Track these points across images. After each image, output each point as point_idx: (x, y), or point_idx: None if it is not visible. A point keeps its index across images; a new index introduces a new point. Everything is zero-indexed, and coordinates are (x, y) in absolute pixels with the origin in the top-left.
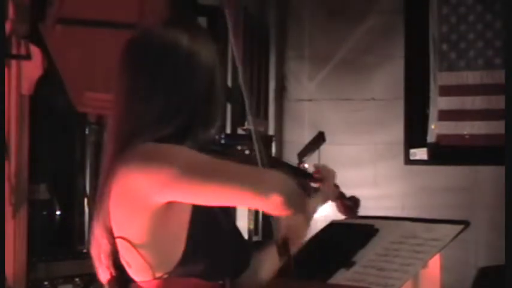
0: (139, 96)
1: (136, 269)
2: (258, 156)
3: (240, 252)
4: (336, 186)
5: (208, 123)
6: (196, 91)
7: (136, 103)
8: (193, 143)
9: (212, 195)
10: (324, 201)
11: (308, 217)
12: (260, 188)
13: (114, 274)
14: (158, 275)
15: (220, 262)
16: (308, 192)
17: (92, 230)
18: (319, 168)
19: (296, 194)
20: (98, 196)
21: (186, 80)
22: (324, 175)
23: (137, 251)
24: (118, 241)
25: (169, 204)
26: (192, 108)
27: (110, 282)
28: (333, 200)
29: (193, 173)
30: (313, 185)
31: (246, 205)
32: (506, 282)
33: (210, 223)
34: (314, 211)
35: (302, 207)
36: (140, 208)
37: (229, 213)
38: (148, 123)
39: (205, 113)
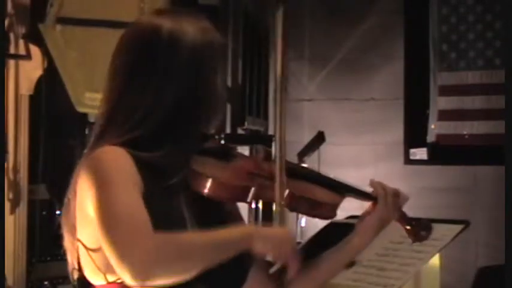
0: (114, 95)
1: (90, 272)
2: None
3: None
4: (399, 209)
5: (190, 127)
6: (175, 90)
7: (110, 102)
8: (178, 146)
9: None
10: (382, 224)
11: None
12: (120, 254)
13: (78, 275)
14: (111, 279)
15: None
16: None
17: (64, 237)
18: (375, 186)
19: (167, 246)
20: (67, 195)
21: (162, 77)
22: (379, 193)
23: (89, 254)
24: (77, 245)
25: None
26: (170, 109)
27: (77, 282)
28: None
29: (94, 193)
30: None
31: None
32: (507, 282)
33: (170, 227)
34: (370, 237)
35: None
36: (84, 211)
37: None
38: (117, 124)
39: (187, 115)
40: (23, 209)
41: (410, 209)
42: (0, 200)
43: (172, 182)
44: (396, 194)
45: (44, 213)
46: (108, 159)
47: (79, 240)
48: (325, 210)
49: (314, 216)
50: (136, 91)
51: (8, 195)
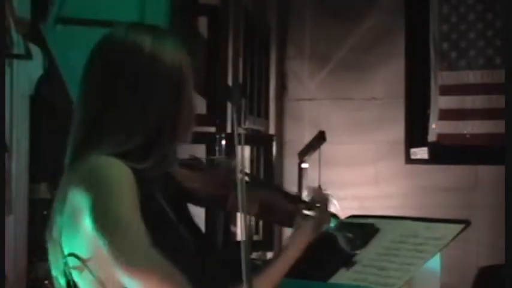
0: (99, 105)
1: (86, 285)
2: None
3: (207, 277)
4: (333, 215)
5: (175, 139)
6: (160, 104)
7: (95, 112)
8: (159, 159)
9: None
10: (318, 229)
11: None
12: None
13: None
14: None
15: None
16: (298, 218)
17: (48, 249)
18: (312, 194)
19: None
20: (51, 212)
21: (148, 91)
22: (317, 201)
23: (87, 268)
24: (69, 258)
25: None
26: (156, 124)
27: None
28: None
29: (97, 207)
30: (306, 212)
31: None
32: (507, 282)
33: (169, 240)
34: (307, 240)
35: None
36: (80, 224)
37: (200, 236)
38: (105, 135)
39: (173, 128)
40: (23, 208)
41: (411, 209)
42: (0, 200)
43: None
44: (329, 202)
45: (44, 212)
46: (112, 171)
47: (73, 255)
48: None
49: (274, 222)
50: (123, 106)
51: (9, 194)
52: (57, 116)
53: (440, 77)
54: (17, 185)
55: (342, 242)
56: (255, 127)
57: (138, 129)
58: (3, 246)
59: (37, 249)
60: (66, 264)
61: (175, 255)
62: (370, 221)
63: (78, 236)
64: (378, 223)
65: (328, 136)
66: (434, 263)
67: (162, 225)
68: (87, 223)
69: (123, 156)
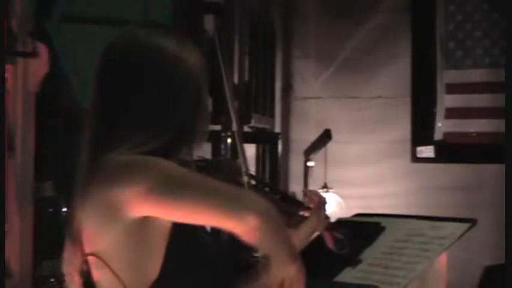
0: (121, 106)
1: (108, 284)
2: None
3: (228, 274)
4: (326, 217)
5: (193, 140)
6: (183, 105)
7: (116, 112)
8: (176, 159)
9: (184, 213)
10: (313, 230)
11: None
12: (235, 208)
13: None
14: None
15: (201, 283)
16: (294, 219)
17: (65, 247)
18: (309, 195)
19: (274, 221)
20: (70, 210)
21: (172, 92)
22: (314, 202)
23: (110, 268)
24: (90, 258)
25: (145, 219)
26: (178, 124)
27: None
28: (321, 230)
29: (165, 189)
30: (303, 213)
31: (220, 225)
32: (507, 282)
33: (192, 241)
34: (303, 241)
35: (279, 236)
36: (113, 222)
37: (218, 232)
38: (129, 135)
39: (192, 129)
40: (29, 206)
41: (417, 207)
42: (1, 200)
43: None
44: (325, 203)
45: (50, 210)
46: (153, 159)
47: (94, 255)
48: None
49: None
50: (144, 108)
51: (16, 196)
52: (62, 114)
53: (446, 76)
54: (23, 184)
55: (327, 242)
56: (261, 125)
57: (159, 131)
58: (3, 246)
59: (43, 247)
60: (85, 263)
61: (198, 258)
62: (375, 219)
63: (105, 234)
64: (383, 222)
65: (333, 135)
66: (440, 262)
67: (184, 228)
68: (125, 217)
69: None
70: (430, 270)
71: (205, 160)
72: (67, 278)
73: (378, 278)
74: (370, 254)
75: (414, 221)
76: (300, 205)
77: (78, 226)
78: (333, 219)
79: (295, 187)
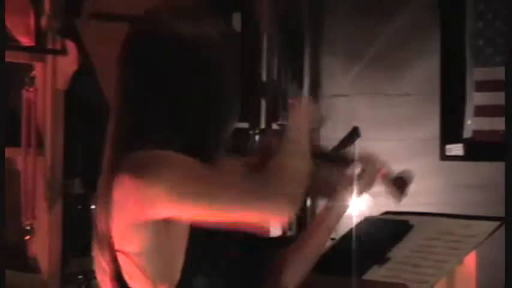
0: (141, 98)
1: (137, 283)
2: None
3: (252, 270)
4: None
5: (221, 129)
6: (207, 93)
7: (136, 105)
8: (205, 149)
9: (203, 214)
10: (366, 187)
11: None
12: (262, 207)
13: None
14: None
15: (225, 281)
16: (348, 180)
17: (94, 244)
18: (359, 155)
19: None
20: (97, 205)
21: (196, 81)
22: (364, 161)
23: (135, 265)
24: (118, 255)
25: (167, 218)
26: (203, 114)
27: None
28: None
29: (185, 190)
30: (356, 171)
31: (247, 217)
32: (507, 282)
33: (214, 239)
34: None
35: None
36: (136, 220)
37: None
38: (150, 129)
39: (218, 118)
40: (58, 203)
41: (446, 205)
42: (1, 199)
43: None
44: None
45: (79, 207)
46: (177, 156)
47: (121, 251)
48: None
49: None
50: (168, 96)
51: (44, 189)
52: (91, 112)
53: (475, 73)
54: (51, 181)
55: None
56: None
57: (189, 126)
58: (4, 246)
59: (71, 244)
60: (115, 260)
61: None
62: (404, 217)
63: (130, 232)
64: (412, 220)
65: (362, 132)
66: (470, 261)
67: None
68: (148, 216)
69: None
70: (459, 269)
71: (241, 150)
72: (98, 276)
73: (406, 276)
74: (398, 252)
75: (443, 219)
76: (351, 163)
77: (107, 223)
78: (361, 218)
79: None
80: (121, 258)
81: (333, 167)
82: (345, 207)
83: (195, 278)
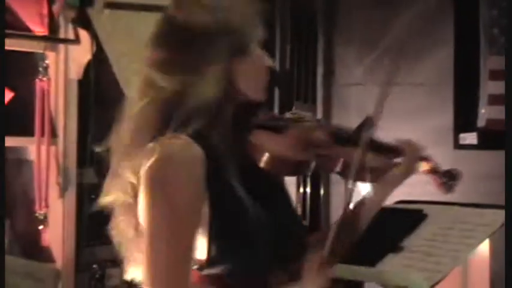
0: (170, 87)
1: None
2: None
3: (285, 243)
4: (425, 159)
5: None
6: (234, 75)
7: (164, 91)
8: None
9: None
10: (405, 176)
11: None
12: None
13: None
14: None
15: (253, 258)
16: (387, 166)
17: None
18: (401, 142)
19: None
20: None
21: (224, 66)
22: (405, 149)
23: None
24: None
25: None
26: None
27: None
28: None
29: (149, 195)
30: (395, 159)
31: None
32: (507, 282)
33: (238, 219)
34: (394, 185)
35: None
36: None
37: (273, 204)
38: (176, 114)
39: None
40: (71, 192)
41: (460, 194)
42: (1, 198)
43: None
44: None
45: (92, 196)
46: (177, 173)
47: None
48: (373, 174)
49: (361, 180)
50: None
51: (58, 179)
52: (105, 101)
53: (489, 62)
54: (65, 170)
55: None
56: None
57: (209, 104)
58: (4, 245)
59: (85, 234)
60: (136, 229)
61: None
62: (418, 206)
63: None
64: (426, 209)
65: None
66: (484, 249)
67: (234, 209)
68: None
69: (198, 135)
70: (473, 258)
71: (274, 119)
72: (125, 263)
73: (420, 265)
74: (412, 241)
75: (457, 208)
76: (392, 150)
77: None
78: None
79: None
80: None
81: (377, 154)
82: (386, 195)
83: (220, 257)
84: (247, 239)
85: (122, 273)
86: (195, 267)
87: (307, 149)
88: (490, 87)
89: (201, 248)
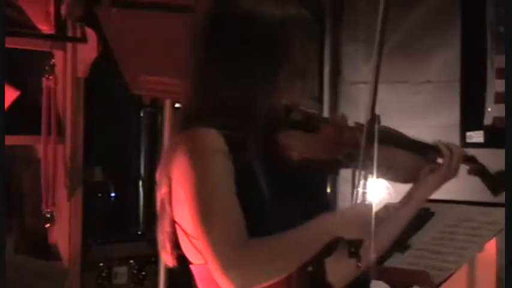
0: (209, 78)
1: (189, 252)
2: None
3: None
4: (471, 159)
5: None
6: (278, 75)
7: (205, 84)
8: (258, 124)
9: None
10: (446, 178)
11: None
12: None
13: (176, 256)
14: None
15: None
16: (429, 167)
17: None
18: (443, 144)
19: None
20: (158, 179)
21: (268, 64)
22: (447, 151)
23: (186, 234)
24: (176, 227)
25: None
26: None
27: (173, 265)
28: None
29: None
30: (438, 160)
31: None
32: (507, 282)
33: (257, 211)
34: (435, 187)
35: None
36: (182, 195)
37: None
38: (214, 108)
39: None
40: (78, 191)
41: (467, 192)
42: (1, 198)
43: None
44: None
45: (99, 195)
46: (207, 145)
47: (176, 222)
48: (403, 173)
49: (392, 180)
50: (228, 75)
51: (65, 177)
52: (112, 99)
53: (496, 60)
54: (72, 169)
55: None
56: (309, 111)
57: (251, 104)
58: (4, 245)
59: (92, 231)
60: (175, 232)
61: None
62: (425, 205)
63: (179, 203)
64: (433, 207)
65: (382, 120)
66: (491, 247)
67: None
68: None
69: (224, 127)
70: (480, 256)
71: (309, 118)
72: (160, 243)
73: (427, 263)
74: (419, 239)
75: (464, 206)
76: (434, 151)
77: (168, 194)
78: (380, 205)
79: (344, 172)
80: (178, 230)
81: (418, 155)
82: (429, 193)
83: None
84: (269, 232)
85: (129, 271)
86: None
87: (338, 148)
88: (497, 85)
89: None
